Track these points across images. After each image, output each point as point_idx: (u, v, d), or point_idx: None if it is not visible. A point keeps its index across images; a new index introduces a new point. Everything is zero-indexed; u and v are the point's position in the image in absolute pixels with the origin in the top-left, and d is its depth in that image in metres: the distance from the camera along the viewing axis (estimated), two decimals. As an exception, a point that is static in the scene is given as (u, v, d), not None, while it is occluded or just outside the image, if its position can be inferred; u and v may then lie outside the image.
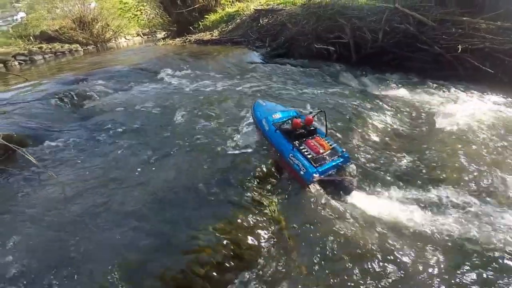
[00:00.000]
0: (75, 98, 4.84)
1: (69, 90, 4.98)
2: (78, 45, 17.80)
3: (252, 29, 9.31)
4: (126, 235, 2.23)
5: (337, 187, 2.58)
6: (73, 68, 8.84)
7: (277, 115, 3.15)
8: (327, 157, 2.70)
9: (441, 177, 2.88)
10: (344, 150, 2.81)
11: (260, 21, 9.56)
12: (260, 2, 11.93)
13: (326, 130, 2.97)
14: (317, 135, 2.89)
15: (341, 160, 2.70)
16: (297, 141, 2.78)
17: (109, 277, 1.94)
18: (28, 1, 25.90)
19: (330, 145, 2.77)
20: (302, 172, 2.62)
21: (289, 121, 2.91)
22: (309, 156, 2.66)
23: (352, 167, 2.80)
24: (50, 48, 16.05)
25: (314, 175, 2.54)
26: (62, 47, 16.72)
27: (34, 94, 5.04)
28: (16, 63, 13.44)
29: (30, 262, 2.06)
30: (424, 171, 2.98)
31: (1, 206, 2.64)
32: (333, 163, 2.67)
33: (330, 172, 2.66)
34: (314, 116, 2.98)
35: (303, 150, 2.72)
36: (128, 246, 2.14)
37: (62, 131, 3.93)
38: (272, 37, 8.21)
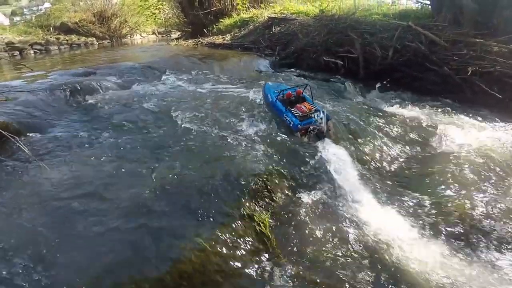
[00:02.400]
0: (80, 91, 4.78)
1: (75, 83, 4.93)
2: (94, 38, 18.00)
3: (264, 36, 9.24)
4: (107, 238, 2.12)
5: (314, 133, 3.49)
6: (85, 61, 8.86)
7: (278, 91, 4.07)
8: (310, 115, 3.59)
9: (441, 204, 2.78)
10: (324, 110, 3.58)
11: (273, 29, 9.49)
12: (274, 10, 11.90)
13: (312, 98, 4.02)
14: (306, 101, 3.86)
15: (321, 116, 3.45)
16: (289, 106, 3.75)
17: (81, 280, 1.84)
18: (56, -8, 26.33)
19: (314, 107, 3.72)
20: (291, 125, 3.60)
21: (284, 93, 3.91)
22: (296, 114, 3.63)
23: (330, 122, 3.61)
24: (67, 40, 16.25)
25: (299, 126, 3.51)
26: (78, 39, 16.92)
27: (40, 84, 5.00)
28: (32, 51, 13.59)
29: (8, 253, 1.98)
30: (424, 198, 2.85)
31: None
32: (313, 120, 3.50)
33: (312, 125, 3.49)
34: (303, 89, 4.03)
35: (293, 111, 3.68)
36: (107, 250, 2.04)
37: (61, 123, 3.87)
38: (282, 46, 8.13)
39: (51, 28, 18.53)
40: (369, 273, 2.15)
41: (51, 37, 16.00)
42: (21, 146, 3.06)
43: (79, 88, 4.77)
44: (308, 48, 7.35)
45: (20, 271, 1.88)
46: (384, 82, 5.49)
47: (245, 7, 13.35)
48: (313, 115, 3.55)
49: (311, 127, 3.48)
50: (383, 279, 2.12)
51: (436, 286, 2.07)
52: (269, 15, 10.57)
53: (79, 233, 2.17)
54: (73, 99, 4.56)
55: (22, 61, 10.05)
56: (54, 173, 2.81)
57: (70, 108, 4.30)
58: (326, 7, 10.01)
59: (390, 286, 2.08)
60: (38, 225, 2.23)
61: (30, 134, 3.50)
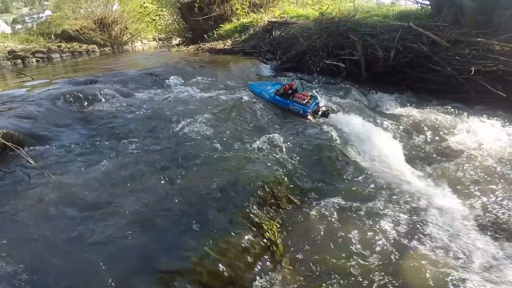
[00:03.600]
0: (83, 100, 4.72)
1: (77, 91, 4.87)
2: (95, 46, 18.08)
3: (264, 41, 9.20)
4: (114, 249, 2.07)
5: (320, 114, 4.21)
6: (87, 69, 8.85)
7: (269, 87, 4.70)
8: (310, 101, 4.27)
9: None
10: (315, 96, 4.41)
11: (273, 33, 9.47)
12: (274, 15, 11.89)
13: (303, 88, 4.77)
14: (298, 92, 4.47)
15: (315, 102, 4.28)
16: (290, 97, 4.35)
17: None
18: (56, 0, 26.47)
19: (310, 95, 4.39)
20: (301, 112, 4.22)
21: (281, 88, 4.50)
22: (301, 103, 4.23)
23: (322, 104, 4.41)
24: (69, 47, 16.32)
25: (308, 111, 4.15)
26: (80, 47, 16.99)
27: (42, 93, 4.96)
28: (34, 60, 13.64)
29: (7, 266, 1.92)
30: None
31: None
32: (314, 103, 4.26)
33: (314, 108, 4.24)
34: (293, 81, 4.79)
35: (297, 101, 4.27)
36: (114, 261, 1.99)
37: (64, 133, 3.81)
38: (283, 50, 8.08)
39: (52, 36, 18.62)
40: (381, 282, 2.08)
41: (52, 45, 16.08)
42: (24, 157, 3.04)
43: (82, 96, 4.72)
44: (309, 52, 7.31)
45: (25, 282, 1.83)
46: (387, 83, 5.45)
47: (245, 11, 13.35)
48: (312, 101, 4.28)
49: (321, 109, 4.23)
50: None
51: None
52: (269, 19, 10.55)
53: (86, 243, 2.12)
54: (76, 108, 4.51)
55: (25, 69, 10.06)
56: (59, 183, 2.76)
57: (74, 117, 4.25)
58: (326, 10, 10.00)
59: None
60: (43, 235, 2.18)
61: (34, 144, 3.46)
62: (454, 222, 2.56)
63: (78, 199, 2.54)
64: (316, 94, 4.37)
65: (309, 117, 4.14)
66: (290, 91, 4.42)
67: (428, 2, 7.68)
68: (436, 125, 4.21)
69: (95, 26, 19.70)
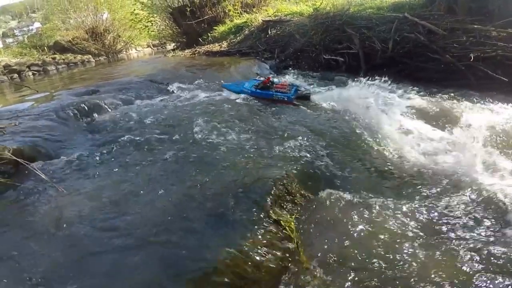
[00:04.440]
0: (87, 110, 4.75)
1: (80, 102, 4.89)
2: (90, 56, 18.01)
3: (261, 40, 9.22)
4: (136, 255, 2.08)
5: (302, 97, 4.75)
6: (85, 79, 8.83)
7: (246, 84, 5.09)
8: (290, 89, 4.74)
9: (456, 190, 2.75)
10: (294, 83, 4.97)
11: (269, 32, 9.49)
12: (268, 13, 11.90)
13: (278, 80, 5.24)
14: (276, 83, 4.91)
15: (295, 88, 4.78)
16: (271, 89, 4.77)
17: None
18: (44, 12, 26.33)
19: (289, 84, 4.85)
20: (286, 98, 4.63)
21: (261, 83, 4.90)
22: (283, 91, 4.66)
23: (302, 89, 4.96)
24: (63, 59, 16.25)
25: (292, 97, 4.60)
26: (74, 57, 16.92)
27: (45, 106, 4.97)
28: (30, 73, 13.60)
29: (33, 281, 1.95)
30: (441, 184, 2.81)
31: (9, 222, 2.53)
32: (294, 90, 4.74)
33: (297, 94, 4.73)
34: (268, 77, 5.06)
35: (278, 90, 4.71)
36: (137, 267, 2.00)
37: (72, 145, 3.84)
38: (280, 48, 8.11)
39: (45, 48, 18.54)
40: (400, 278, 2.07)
41: (47, 57, 16.02)
42: (38, 173, 3.05)
43: (85, 107, 4.74)
44: (306, 48, 7.35)
45: None
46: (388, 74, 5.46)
47: (238, 12, 13.35)
48: (292, 88, 4.77)
49: (302, 93, 4.79)
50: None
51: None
52: (263, 19, 10.57)
53: (108, 252, 2.15)
54: (81, 119, 4.53)
55: (23, 83, 10.03)
56: (73, 196, 2.79)
57: (80, 129, 4.27)
58: (320, 5, 10.02)
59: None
60: (62, 246, 2.22)
61: (44, 158, 3.49)
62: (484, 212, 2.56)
63: (94, 209, 2.56)
64: (295, 81, 5.01)
65: (295, 102, 4.62)
66: (269, 84, 4.86)
67: (421, -9, 7.72)
68: (440, 112, 4.24)
69: (87, 35, 19.62)
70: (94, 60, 18.00)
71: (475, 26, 5.64)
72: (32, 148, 3.58)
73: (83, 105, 4.79)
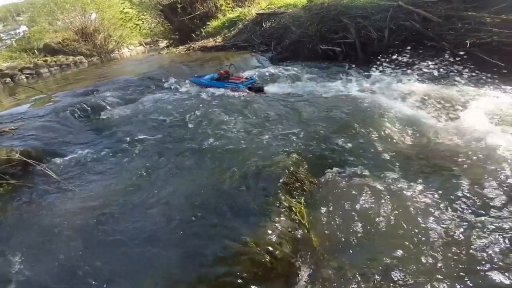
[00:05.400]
0: (88, 110, 4.78)
1: (80, 102, 4.92)
2: (82, 56, 17.83)
3: (256, 33, 9.24)
4: (153, 247, 2.16)
5: (255, 89, 5.04)
6: (80, 80, 8.79)
7: (207, 77, 5.58)
8: (245, 81, 5.16)
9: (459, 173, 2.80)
10: (253, 77, 5.40)
11: (263, 25, 9.50)
12: (260, 6, 11.88)
13: (237, 71, 5.72)
14: (233, 75, 5.42)
15: (252, 81, 5.19)
16: (226, 80, 5.27)
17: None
18: (29, 14, 25.91)
19: (246, 77, 5.29)
20: (236, 87, 5.07)
21: (217, 75, 5.41)
22: (237, 82, 5.14)
23: (258, 82, 5.30)
24: (55, 61, 16.07)
25: (241, 86, 5.04)
26: (66, 59, 16.74)
27: (46, 107, 5.00)
28: (23, 77, 13.47)
29: (49, 279, 2.02)
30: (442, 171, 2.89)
31: (22, 223, 2.58)
32: (248, 82, 5.14)
33: (249, 85, 5.10)
34: (229, 68, 5.59)
35: (232, 81, 5.20)
36: (155, 259, 2.08)
37: (78, 144, 3.88)
38: (276, 40, 8.14)
39: (35, 51, 18.31)
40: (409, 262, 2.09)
41: (38, 60, 15.83)
42: (47, 172, 3.10)
43: (87, 107, 4.77)
44: (303, 39, 7.38)
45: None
46: (385, 62, 5.54)
47: (230, 7, 13.31)
48: (247, 80, 5.18)
49: (255, 86, 5.10)
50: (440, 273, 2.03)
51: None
52: (257, 12, 10.56)
53: (125, 243, 2.22)
54: (83, 119, 4.57)
55: (17, 87, 9.97)
56: (81, 194, 2.85)
57: (83, 128, 4.31)
58: (313, -4, 10.04)
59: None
60: (77, 241, 2.28)
61: (52, 158, 3.53)
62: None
63: (107, 205, 2.62)
64: (253, 77, 5.39)
65: (245, 89, 5.06)
66: (225, 76, 5.37)
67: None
68: (439, 98, 4.31)
69: (77, 36, 19.40)
70: (86, 61, 17.84)
71: (470, 13, 5.72)
72: (39, 148, 3.62)
73: (83, 105, 4.83)
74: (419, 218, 2.35)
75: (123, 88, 5.81)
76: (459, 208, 2.43)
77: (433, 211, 2.41)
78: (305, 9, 8.50)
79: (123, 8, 17.45)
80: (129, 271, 2.04)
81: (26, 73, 13.70)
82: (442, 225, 2.28)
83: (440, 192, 2.58)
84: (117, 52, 21.20)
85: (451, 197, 2.53)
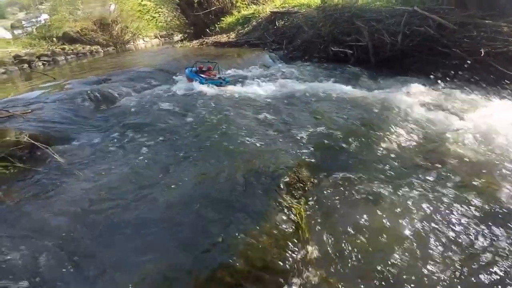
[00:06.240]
0: (99, 98, 4.79)
1: (92, 90, 4.93)
2: (98, 46, 18.01)
3: (269, 31, 9.17)
4: (151, 238, 2.13)
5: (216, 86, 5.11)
6: (95, 69, 8.86)
7: (187, 70, 5.78)
8: (213, 78, 5.35)
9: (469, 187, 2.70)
10: (226, 77, 5.45)
11: (276, 23, 9.42)
12: (275, 5, 11.79)
13: (219, 71, 5.81)
14: (208, 72, 5.63)
15: (222, 80, 5.28)
16: (202, 74, 5.46)
17: (131, 280, 1.85)
18: (51, 3, 26.24)
19: (219, 77, 5.45)
20: (198, 81, 5.30)
21: (197, 69, 5.63)
22: (203, 77, 5.35)
23: (228, 83, 5.27)
24: (72, 49, 16.26)
25: (203, 81, 5.23)
26: (83, 48, 16.92)
27: (58, 93, 5.02)
28: (40, 63, 13.64)
29: (47, 264, 1.99)
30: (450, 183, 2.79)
31: (24, 206, 2.56)
32: (217, 81, 5.26)
33: (215, 83, 5.20)
34: (210, 65, 5.80)
35: (202, 76, 5.40)
36: (152, 251, 2.04)
37: (87, 131, 3.87)
38: (288, 39, 8.05)
39: (54, 39, 18.53)
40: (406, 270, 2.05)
41: (56, 48, 16.02)
42: (53, 155, 3.10)
43: (98, 95, 4.77)
44: (315, 40, 7.28)
45: (62, 276, 1.90)
46: (397, 67, 5.43)
47: (245, 3, 13.25)
48: (216, 79, 5.34)
49: (220, 84, 5.22)
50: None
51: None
52: (272, 10, 10.48)
53: (121, 236, 2.18)
54: (94, 106, 4.57)
55: (33, 73, 10.08)
56: (87, 179, 2.83)
57: (93, 116, 4.30)
58: (328, -3, 9.91)
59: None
60: (76, 230, 2.25)
61: (60, 143, 3.52)
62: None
63: (108, 193, 2.60)
64: (225, 77, 5.51)
65: (204, 86, 5.15)
66: (204, 70, 5.67)
67: (431, -15, 7.59)
68: (448, 109, 4.19)
69: (96, 26, 19.58)
70: (102, 51, 18.00)
71: (486, 21, 5.55)
72: (47, 133, 3.62)
73: (95, 93, 4.83)
74: (424, 230, 2.27)
75: (135, 79, 5.81)
76: (467, 220, 2.34)
77: (440, 222, 2.33)
78: (319, 9, 8.39)
79: (142, 0, 17.53)
80: (124, 258, 2.01)
81: (43, 60, 13.88)
82: (447, 238, 2.20)
83: (448, 202, 2.50)
84: (132, 43, 21.34)
85: (460, 209, 2.44)
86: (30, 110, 4.02)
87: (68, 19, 20.76)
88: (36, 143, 3.17)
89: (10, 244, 2.16)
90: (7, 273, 1.92)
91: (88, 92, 4.83)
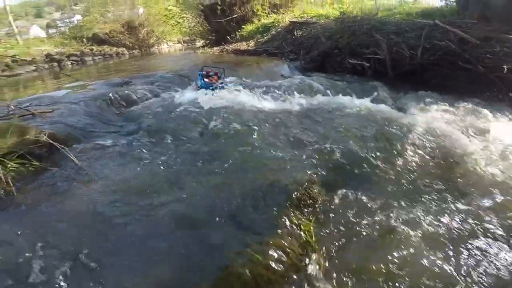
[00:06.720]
0: (120, 100, 4.78)
1: (114, 92, 4.93)
2: (124, 48, 18.30)
3: (287, 41, 9.02)
4: (157, 249, 2.03)
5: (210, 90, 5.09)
6: (120, 71, 8.95)
7: (202, 73, 5.66)
8: (213, 84, 5.27)
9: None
10: (225, 84, 5.37)
11: (295, 33, 9.27)
12: (294, 15, 11.67)
13: (223, 78, 5.68)
14: (214, 75, 5.65)
15: (221, 86, 5.22)
16: (205, 78, 5.47)
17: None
18: (85, 4, 26.95)
19: (220, 82, 5.39)
20: (199, 85, 5.30)
21: (205, 73, 5.63)
22: (206, 81, 5.38)
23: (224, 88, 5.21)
24: (100, 50, 16.58)
25: (201, 85, 5.26)
26: (110, 49, 17.24)
27: (81, 94, 5.05)
28: (69, 63, 13.95)
29: (57, 263, 1.90)
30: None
31: (38, 204, 2.51)
32: (218, 86, 5.19)
33: (211, 87, 5.17)
34: (216, 71, 5.75)
35: (205, 80, 5.41)
36: (157, 261, 1.95)
37: (104, 133, 3.85)
38: (305, 50, 7.87)
39: (84, 39, 18.97)
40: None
41: (85, 48, 16.38)
42: (69, 156, 3.06)
43: (119, 98, 4.76)
44: (332, 51, 7.08)
45: (69, 279, 1.82)
46: (416, 82, 5.18)
47: (266, 12, 13.18)
48: (215, 85, 5.24)
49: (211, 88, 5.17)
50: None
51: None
52: (291, 20, 10.35)
53: (127, 243, 2.09)
54: (114, 108, 4.55)
55: (62, 72, 10.30)
56: (101, 183, 2.77)
57: (112, 118, 4.29)
58: (347, 9, 9.72)
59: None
60: (86, 233, 2.17)
61: (77, 144, 3.49)
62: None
63: (118, 198, 2.53)
64: (226, 84, 5.43)
65: (201, 90, 5.16)
66: (211, 74, 5.68)
67: (453, -1, 7.31)
68: (470, 125, 3.96)
69: (123, 29, 19.94)
70: (128, 53, 18.29)
71: (510, 36, 5.24)
72: (67, 133, 3.61)
73: (116, 95, 4.82)
74: (440, 250, 2.12)
75: (155, 83, 5.79)
76: (484, 245, 2.18)
77: (456, 245, 2.18)
78: (337, 21, 8.20)
79: (168, 5, 17.75)
80: (128, 267, 1.92)
81: (72, 60, 14.20)
82: (464, 262, 2.05)
83: (464, 223, 2.34)
84: (156, 47, 21.61)
85: (476, 230, 2.29)
86: (50, 110, 4.02)
87: (98, 21, 21.23)
88: (54, 143, 3.14)
89: (14, 242, 2.09)
90: (10, 272, 1.85)
91: (110, 94, 4.83)
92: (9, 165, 2.90)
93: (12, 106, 3.99)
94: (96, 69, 11.42)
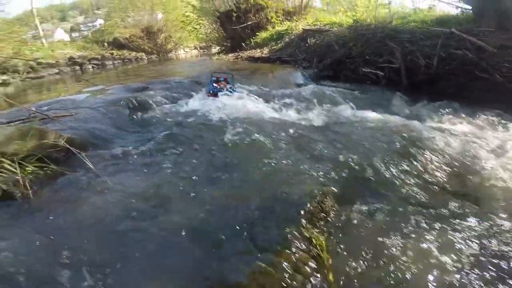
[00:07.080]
0: (137, 106, 4.76)
1: (131, 98, 4.91)
2: (143, 53, 18.55)
3: (300, 48, 8.89)
4: (168, 259, 1.96)
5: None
6: (138, 75, 9.00)
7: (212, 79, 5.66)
8: (224, 89, 5.23)
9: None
10: (233, 90, 5.32)
11: (308, 41, 9.14)
12: (307, 22, 11.53)
13: (233, 82, 5.63)
14: (226, 83, 5.52)
15: (230, 92, 5.20)
16: (215, 83, 5.40)
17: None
18: (107, 9, 27.42)
19: (230, 87, 5.37)
20: (209, 89, 5.30)
21: (215, 78, 5.57)
22: (215, 87, 5.30)
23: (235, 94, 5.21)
24: (120, 55, 16.84)
25: (210, 91, 5.24)
26: (129, 54, 17.49)
27: (100, 98, 5.06)
28: (90, 66, 14.20)
29: (66, 271, 1.82)
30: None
31: (52, 208, 2.46)
32: (225, 91, 5.18)
33: (217, 91, 5.18)
34: (225, 77, 5.65)
35: (214, 85, 5.35)
36: (168, 272, 1.87)
37: (121, 138, 3.81)
38: (318, 57, 7.73)
39: (105, 44, 19.28)
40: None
41: (106, 53, 16.65)
42: (85, 161, 3.02)
43: (136, 103, 4.74)
44: (345, 59, 6.93)
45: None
46: (431, 91, 4.98)
47: (280, 20, 13.09)
48: (223, 90, 5.22)
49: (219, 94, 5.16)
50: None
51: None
52: (304, 27, 10.23)
53: (139, 254, 2.01)
54: (131, 114, 4.53)
55: (84, 75, 10.46)
56: (115, 189, 2.71)
57: (129, 123, 4.26)
58: (360, 16, 9.54)
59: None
60: (98, 242, 2.10)
61: (93, 149, 3.46)
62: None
63: (131, 205, 2.45)
64: (234, 89, 5.39)
65: (209, 94, 5.23)
66: (220, 80, 5.60)
67: (469, 7, 7.03)
68: (485, 138, 3.75)
69: (143, 34, 20.18)
70: (146, 58, 18.50)
71: (529, 45, 5.00)
72: (82, 138, 3.58)
73: (133, 100, 4.81)
74: (456, 266, 1.98)
75: (172, 89, 5.77)
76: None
77: (473, 259, 2.03)
78: (351, 29, 8.03)
79: (186, 12, 17.87)
80: (136, 276, 1.84)
81: (93, 63, 14.46)
82: (481, 276, 1.87)
83: (481, 238, 2.18)
84: (174, 52, 21.79)
85: (492, 244, 2.13)
86: (70, 114, 4.02)
87: (119, 26, 21.55)
88: (70, 147, 3.11)
89: (27, 246, 2.02)
90: (17, 275, 1.77)
91: (127, 99, 4.82)
92: (27, 168, 2.89)
93: (33, 109, 4.01)
94: (115, 73, 11.56)
